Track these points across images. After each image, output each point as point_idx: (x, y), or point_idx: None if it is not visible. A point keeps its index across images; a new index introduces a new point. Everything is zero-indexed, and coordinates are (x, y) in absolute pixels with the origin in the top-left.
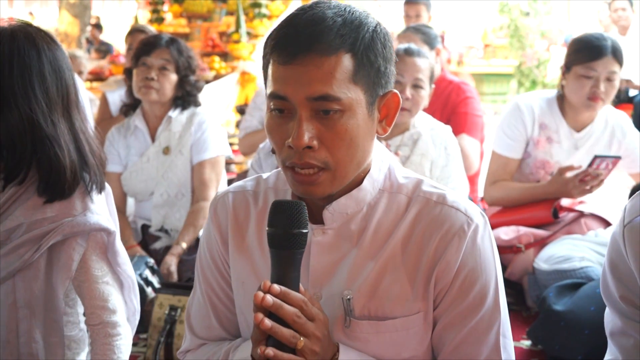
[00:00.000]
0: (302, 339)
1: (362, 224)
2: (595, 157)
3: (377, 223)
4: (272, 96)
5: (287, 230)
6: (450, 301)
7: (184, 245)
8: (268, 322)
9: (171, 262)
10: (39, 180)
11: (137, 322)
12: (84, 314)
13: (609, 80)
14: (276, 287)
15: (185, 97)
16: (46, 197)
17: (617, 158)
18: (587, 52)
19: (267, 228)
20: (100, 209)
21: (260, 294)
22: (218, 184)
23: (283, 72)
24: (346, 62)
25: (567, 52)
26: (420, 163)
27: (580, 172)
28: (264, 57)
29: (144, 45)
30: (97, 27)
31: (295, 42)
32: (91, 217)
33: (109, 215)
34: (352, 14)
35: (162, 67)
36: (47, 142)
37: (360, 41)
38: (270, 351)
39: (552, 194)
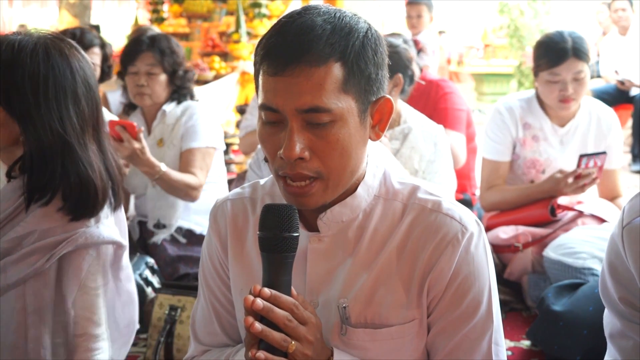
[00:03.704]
0: (293, 342)
1: (359, 231)
2: (581, 156)
3: (372, 231)
4: (263, 107)
5: (277, 234)
6: (444, 309)
7: (162, 167)
8: (258, 325)
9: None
10: (63, 200)
11: (133, 334)
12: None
13: (576, 80)
14: (266, 290)
15: (178, 90)
16: (73, 215)
17: (603, 153)
18: (548, 58)
19: (258, 232)
20: (112, 222)
21: (250, 297)
22: (206, 174)
23: (273, 84)
24: (336, 71)
25: (533, 58)
26: (409, 156)
27: (571, 172)
28: (254, 64)
29: (126, 54)
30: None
31: (284, 53)
32: (104, 229)
33: (119, 230)
34: (342, 20)
35: (149, 72)
36: (80, 163)
37: (351, 49)
38: (261, 354)
39: (547, 192)
